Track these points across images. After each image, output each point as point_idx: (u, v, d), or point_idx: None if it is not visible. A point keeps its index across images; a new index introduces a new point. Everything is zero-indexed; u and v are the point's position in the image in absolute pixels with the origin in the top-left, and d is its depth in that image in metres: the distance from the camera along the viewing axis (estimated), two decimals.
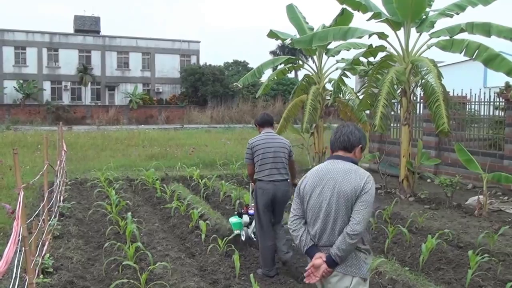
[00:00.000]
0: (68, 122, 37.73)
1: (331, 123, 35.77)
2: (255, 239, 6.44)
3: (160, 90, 50.00)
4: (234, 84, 16.61)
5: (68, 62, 46.81)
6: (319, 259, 3.05)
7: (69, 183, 11.31)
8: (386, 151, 12.64)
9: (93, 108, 44.24)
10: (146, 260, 5.80)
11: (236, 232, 6.67)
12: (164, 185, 10.57)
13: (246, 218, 6.65)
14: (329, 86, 14.26)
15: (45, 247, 5.70)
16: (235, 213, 7.26)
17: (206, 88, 46.61)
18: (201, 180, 11.06)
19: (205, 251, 6.28)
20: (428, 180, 11.81)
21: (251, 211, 6.64)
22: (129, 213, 7.23)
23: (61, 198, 8.93)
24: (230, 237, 6.46)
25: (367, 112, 13.43)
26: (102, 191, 10.13)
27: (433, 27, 9.97)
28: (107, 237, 6.99)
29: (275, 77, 14.53)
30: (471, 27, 9.02)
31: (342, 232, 2.98)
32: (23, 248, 4.01)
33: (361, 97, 11.47)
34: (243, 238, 6.67)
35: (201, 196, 9.93)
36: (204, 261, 5.93)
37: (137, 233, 6.58)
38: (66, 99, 46.81)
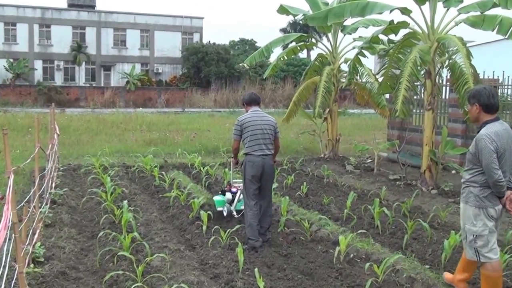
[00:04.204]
0: (61, 104, 37.86)
1: (346, 108, 35.65)
2: (236, 215, 7.44)
3: (160, 71, 50.03)
4: (240, 64, 16.59)
5: (61, 39, 46.90)
6: None
7: (61, 168, 11.40)
8: (406, 139, 12.57)
9: (87, 89, 44.40)
10: (143, 252, 5.87)
11: (219, 209, 7.59)
12: (163, 172, 10.62)
13: (228, 195, 7.57)
14: (344, 67, 14.19)
15: (36, 236, 5.76)
16: (219, 192, 7.99)
17: (210, 68, 46.56)
18: (203, 168, 11.10)
19: (206, 243, 6.33)
20: (453, 172, 11.73)
21: (233, 189, 7.57)
22: (125, 202, 7.29)
23: (53, 184, 9.00)
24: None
25: (387, 96, 13.36)
26: (96, 178, 10.22)
27: (461, 1, 9.80)
28: (102, 226, 7.07)
29: (285, 57, 14.47)
30: (505, 1, 8.86)
31: None
32: (12, 236, 4.05)
33: (380, 79, 11.39)
34: (225, 213, 7.60)
35: (203, 185, 9.97)
36: (205, 254, 5.97)
37: (134, 223, 6.64)
38: (58, 79, 46.99)
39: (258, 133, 6.46)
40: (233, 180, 7.92)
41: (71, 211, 7.87)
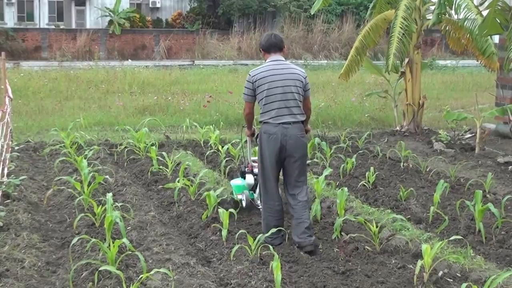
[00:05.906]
0: (14, 55, 38.38)
1: (434, 59, 35.11)
2: (260, 206, 7.45)
3: (158, 5, 50.06)
4: None
5: None
6: None
7: (16, 148, 11.54)
8: None
9: (52, 33, 44.65)
10: (136, 267, 5.96)
11: (239, 197, 7.96)
12: (163, 153, 10.69)
13: (250, 178, 7.87)
14: None
15: None
16: (238, 174, 8.47)
17: (231, 1, 46.35)
18: (222, 146, 11.15)
19: (227, 255, 6.39)
20: None
21: (256, 170, 7.60)
22: (109, 195, 7.35)
23: (5, 170, 9.15)
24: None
25: (496, 39, 13.13)
26: (67, 162, 10.37)
27: None
28: (76, 230, 7.16)
29: None
30: None
31: None
32: None
33: (485, 13, 11.22)
34: (243, 204, 7.91)
35: (222, 171, 10.10)
36: (226, 271, 6.03)
37: (122, 226, 6.71)
38: (9, 19, 47.45)
39: (278, 93, 6.69)
40: (253, 158, 8.03)
41: (32, 209, 7.97)
